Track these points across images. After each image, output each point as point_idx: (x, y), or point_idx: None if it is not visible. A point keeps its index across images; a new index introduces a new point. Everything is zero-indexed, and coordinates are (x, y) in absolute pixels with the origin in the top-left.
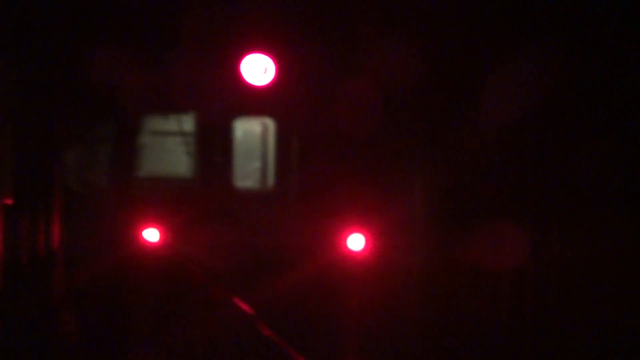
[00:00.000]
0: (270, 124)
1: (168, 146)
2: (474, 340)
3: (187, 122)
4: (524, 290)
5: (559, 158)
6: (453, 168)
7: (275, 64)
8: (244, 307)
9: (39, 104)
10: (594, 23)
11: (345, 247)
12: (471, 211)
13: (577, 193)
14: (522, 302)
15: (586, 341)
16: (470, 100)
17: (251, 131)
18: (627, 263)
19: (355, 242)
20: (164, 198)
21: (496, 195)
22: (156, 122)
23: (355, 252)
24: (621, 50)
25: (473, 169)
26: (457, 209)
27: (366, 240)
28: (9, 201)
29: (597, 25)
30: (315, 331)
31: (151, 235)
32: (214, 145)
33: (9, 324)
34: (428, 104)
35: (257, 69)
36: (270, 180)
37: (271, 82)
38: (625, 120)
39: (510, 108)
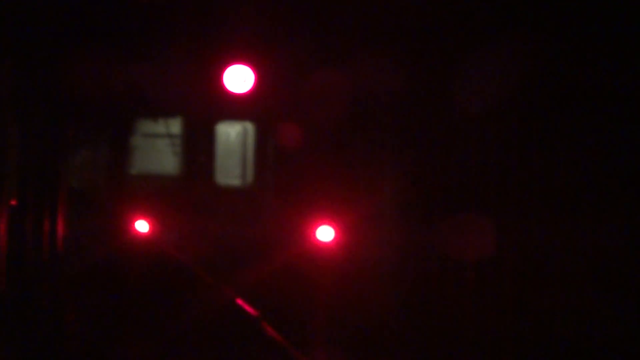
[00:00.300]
0: (249, 127)
1: (157, 147)
2: (442, 329)
3: (175, 126)
4: (491, 280)
5: (527, 149)
6: (422, 161)
7: (254, 74)
8: (226, 290)
9: (43, 107)
10: (570, 13)
11: (315, 238)
12: (441, 203)
13: (546, 184)
14: (490, 291)
15: (554, 330)
16: (439, 92)
17: (232, 134)
18: (597, 252)
19: (325, 233)
20: (153, 193)
21: (465, 187)
22: (146, 126)
23: (325, 243)
24: (597, 39)
25: (442, 162)
26: (427, 201)
27: (335, 232)
28: (14, 202)
29: (572, 16)
30: (288, 311)
31: (142, 226)
32: (198, 147)
33: (14, 318)
34: (397, 98)
35: (238, 79)
36: (249, 177)
37: (250, 90)
38: (594, 110)
39: (479, 99)
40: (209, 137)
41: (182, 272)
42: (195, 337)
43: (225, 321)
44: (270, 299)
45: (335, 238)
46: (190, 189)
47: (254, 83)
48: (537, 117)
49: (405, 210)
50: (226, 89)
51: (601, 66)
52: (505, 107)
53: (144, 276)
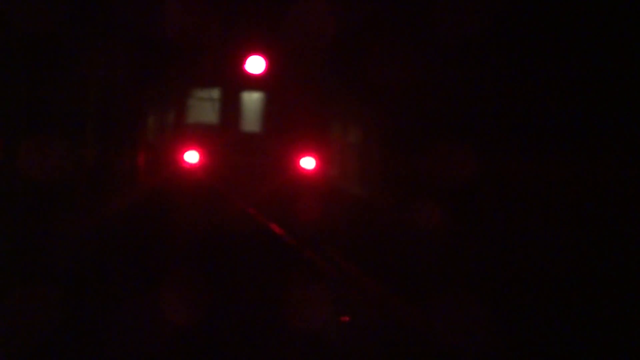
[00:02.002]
0: (262, 95)
1: (205, 106)
2: (414, 252)
3: (215, 93)
4: (469, 208)
5: (505, 82)
6: (401, 96)
7: (265, 62)
8: (242, 202)
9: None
10: None
11: (300, 166)
12: (421, 135)
13: (523, 117)
14: (468, 219)
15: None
16: (416, 23)
17: (252, 99)
18: (573, 186)
19: (308, 162)
20: (202, 136)
21: (443, 119)
22: (198, 92)
23: (308, 170)
24: None
25: (421, 94)
26: (407, 133)
27: (316, 162)
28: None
29: None
30: (280, 213)
31: (192, 156)
32: (230, 106)
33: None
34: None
35: (255, 64)
36: (262, 126)
37: (263, 71)
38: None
39: (456, 28)
40: (237, 101)
41: (215, 188)
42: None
43: (238, 224)
44: (270, 206)
45: (315, 166)
46: (224, 133)
47: (265, 68)
48: (519, 50)
49: (384, 142)
50: (247, 71)
51: None
52: (485, 36)
53: (191, 188)
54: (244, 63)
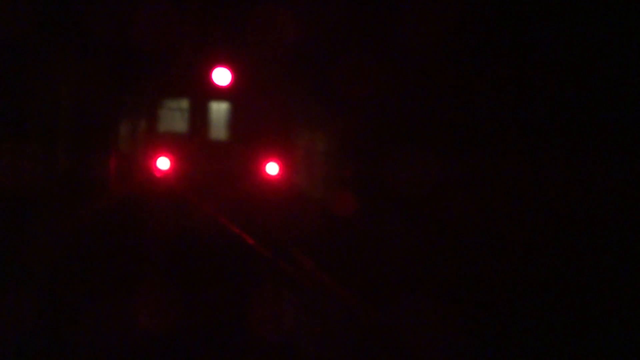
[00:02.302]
0: (228, 104)
1: (174, 116)
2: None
3: (184, 103)
4: (434, 213)
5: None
6: (366, 100)
7: (231, 73)
8: (208, 206)
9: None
10: None
11: (265, 172)
12: (384, 140)
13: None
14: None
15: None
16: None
17: (218, 108)
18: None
19: (272, 168)
20: (171, 144)
21: (408, 124)
22: (168, 102)
23: (272, 175)
24: None
25: (385, 101)
26: (367, 139)
27: (280, 168)
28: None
29: None
30: (246, 222)
31: (163, 163)
32: (198, 116)
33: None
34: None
35: (222, 75)
36: (228, 134)
37: (229, 83)
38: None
39: (421, 35)
40: (205, 110)
41: (183, 194)
42: (186, 238)
43: (207, 229)
44: (235, 212)
45: (279, 172)
46: (193, 141)
47: (231, 79)
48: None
49: (349, 149)
50: (214, 82)
51: None
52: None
53: (160, 192)
54: (211, 75)
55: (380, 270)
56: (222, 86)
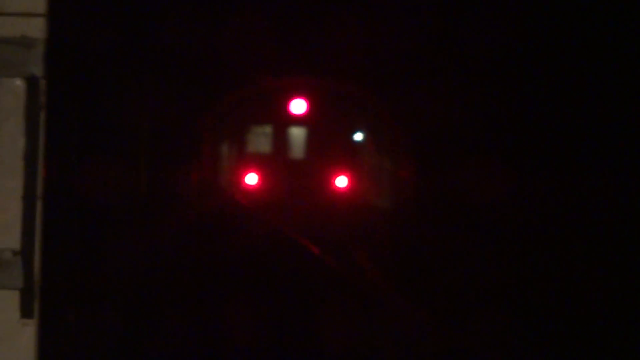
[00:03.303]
0: (305, 129)
1: (261, 139)
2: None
3: (269, 128)
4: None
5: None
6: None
7: (306, 104)
8: (288, 227)
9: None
10: None
11: (335, 185)
12: (451, 150)
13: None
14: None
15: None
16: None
17: (297, 132)
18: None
19: (342, 181)
20: (258, 162)
21: (474, 133)
22: (256, 129)
23: (342, 188)
24: None
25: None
26: (434, 152)
27: (348, 181)
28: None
29: None
30: (323, 230)
31: (252, 179)
32: (280, 138)
33: None
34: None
35: (299, 106)
36: (305, 153)
37: (305, 112)
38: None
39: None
40: (286, 134)
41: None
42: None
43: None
44: (312, 222)
45: (348, 185)
46: (276, 160)
47: (306, 109)
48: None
49: (415, 163)
50: (291, 112)
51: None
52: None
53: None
54: (289, 105)
55: (445, 280)
56: (298, 114)
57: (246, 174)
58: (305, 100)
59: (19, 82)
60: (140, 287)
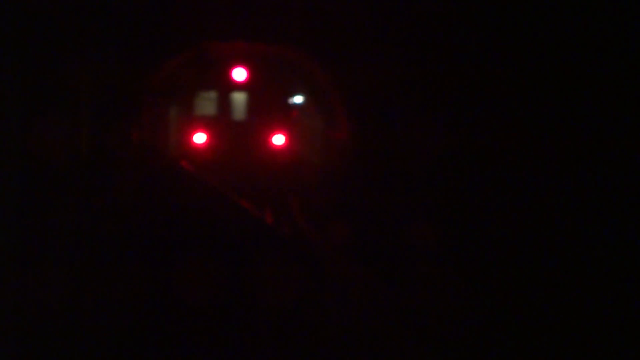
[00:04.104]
0: (246, 94)
1: (207, 103)
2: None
3: (214, 93)
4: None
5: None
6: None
7: (246, 71)
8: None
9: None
10: None
11: (272, 142)
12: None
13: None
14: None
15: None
16: None
17: (238, 97)
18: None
19: (278, 139)
20: (204, 123)
21: (416, 93)
22: (203, 93)
23: (278, 146)
24: None
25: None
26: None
27: (285, 139)
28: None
29: None
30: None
31: (200, 137)
32: (224, 102)
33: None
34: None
35: (240, 73)
36: (245, 115)
37: (245, 79)
38: None
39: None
40: (229, 98)
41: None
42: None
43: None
44: (253, 174)
45: (285, 143)
46: (220, 121)
47: (248, 75)
48: None
49: (353, 121)
50: (234, 79)
51: None
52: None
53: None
54: (232, 72)
55: (376, 234)
56: (240, 81)
57: (195, 133)
58: (246, 69)
59: None
60: (82, 246)
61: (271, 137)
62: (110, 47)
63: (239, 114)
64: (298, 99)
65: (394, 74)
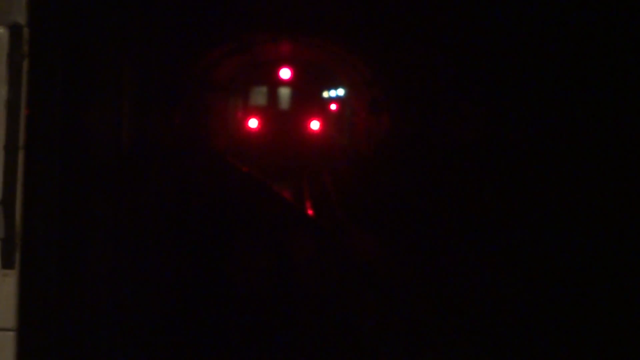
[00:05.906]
0: (291, 89)
1: (260, 95)
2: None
3: (265, 88)
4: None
5: None
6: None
7: (291, 71)
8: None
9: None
10: None
11: (310, 127)
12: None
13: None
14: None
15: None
16: None
17: (285, 92)
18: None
19: (315, 125)
20: (258, 112)
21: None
22: (256, 87)
23: (315, 130)
24: None
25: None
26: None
27: (320, 125)
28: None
29: None
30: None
31: (253, 123)
32: (272, 95)
33: None
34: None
35: (286, 72)
36: (290, 105)
37: (290, 77)
38: None
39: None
40: (277, 92)
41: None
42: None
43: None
44: (295, 155)
45: (319, 128)
46: (270, 110)
47: (291, 74)
48: None
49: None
50: (281, 77)
51: None
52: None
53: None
54: (279, 72)
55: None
56: (285, 79)
57: (249, 119)
58: (290, 69)
59: (2, 31)
60: (124, 237)
61: (309, 123)
62: (154, 37)
63: (284, 105)
64: (332, 93)
65: (431, 68)
